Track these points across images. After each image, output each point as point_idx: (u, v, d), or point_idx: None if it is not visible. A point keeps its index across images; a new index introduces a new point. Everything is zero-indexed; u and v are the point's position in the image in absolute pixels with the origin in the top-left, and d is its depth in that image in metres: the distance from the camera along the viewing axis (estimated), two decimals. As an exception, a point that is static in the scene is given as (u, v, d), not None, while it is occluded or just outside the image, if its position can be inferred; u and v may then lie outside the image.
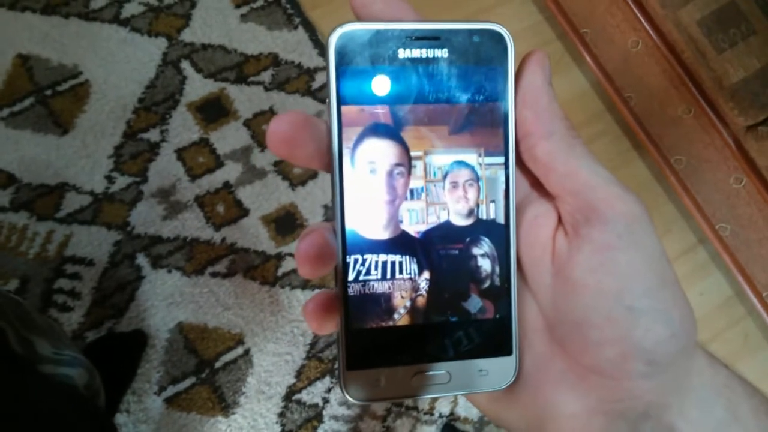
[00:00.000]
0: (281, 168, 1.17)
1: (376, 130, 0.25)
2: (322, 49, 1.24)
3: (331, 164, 0.25)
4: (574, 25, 1.23)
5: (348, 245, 0.26)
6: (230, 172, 1.16)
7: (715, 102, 1.07)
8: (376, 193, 0.26)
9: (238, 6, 1.27)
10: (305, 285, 1.12)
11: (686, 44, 1.06)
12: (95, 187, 1.12)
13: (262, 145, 1.18)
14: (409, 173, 0.26)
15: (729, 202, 1.13)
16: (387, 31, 0.25)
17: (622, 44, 1.16)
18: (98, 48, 1.20)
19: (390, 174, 0.26)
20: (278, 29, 1.26)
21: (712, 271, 1.24)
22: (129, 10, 1.23)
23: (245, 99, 1.21)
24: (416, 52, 0.25)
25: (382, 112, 0.25)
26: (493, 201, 0.27)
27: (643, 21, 1.11)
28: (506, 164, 0.27)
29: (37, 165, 1.11)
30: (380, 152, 0.26)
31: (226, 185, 1.15)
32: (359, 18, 0.25)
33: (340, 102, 0.25)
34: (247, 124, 1.19)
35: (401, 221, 0.26)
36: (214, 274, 1.11)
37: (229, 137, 1.18)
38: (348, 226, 0.26)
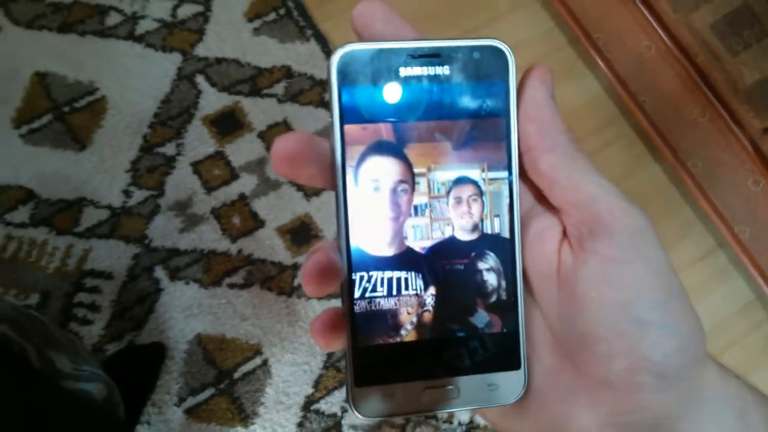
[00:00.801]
0: (295, 183, 1.18)
1: (379, 147, 0.26)
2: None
3: (335, 183, 0.26)
4: (585, 31, 1.23)
5: (353, 263, 0.26)
6: (245, 184, 1.17)
7: (730, 105, 1.06)
8: (380, 210, 0.26)
9: (250, 20, 1.28)
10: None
11: (700, 48, 1.05)
12: (113, 202, 1.14)
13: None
14: (413, 190, 0.26)
15: (748, 205, 1.12)
16: (388, 51, 0.25)
17: (634, 49, 1.16)
18: (114, 64, 1.21)
19: (394, 191, 0.26)
20: (291, 42, 1.27)
21: (732, 275, 1.23)
22: (143, 26, 1.25)
23: (259, 111, 1.22)
24: (418, 70, 0.26)
25: (384, 130, 0.26)
26: (497, 215, 0.27)
27: (655, 25, 1.11)
28: (510, 178, 0.27)
29: (55, 181, 1.13)
30: (383, 170, 0.26)
31: (242, 197, 1.16)
32: (360, 38, 0.26)
33: (343, 121, 0.25)
34: (261, 136, 1.20)
35: (406, 238, 0.26)
36: (231, 286, 1.11)
37: (243, 149, 1.19)
38: (353, 243, 0.26)
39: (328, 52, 1.27)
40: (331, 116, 0.25)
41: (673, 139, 1.18)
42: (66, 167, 1.14)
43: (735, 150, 1.10)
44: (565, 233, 0.26)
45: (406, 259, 0.26)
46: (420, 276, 0.26)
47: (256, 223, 1.15)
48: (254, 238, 1.15)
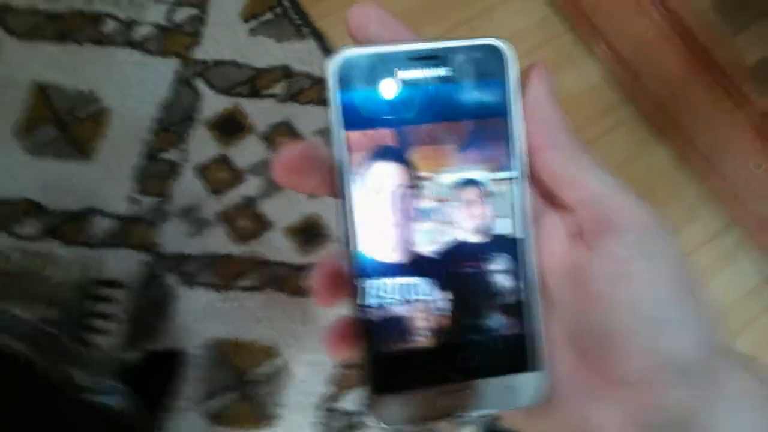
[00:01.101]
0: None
1: (382, 153, 0.25)
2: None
3: (338, 192, 0.25)
4: (583, 16, 1.22)
5: (362, 272, 0.26)
6: (251, 186, 1.17)
7: (734, 84, 1.06)
8: (386, 216, 0.26)
9: (246, 20, 1.28)
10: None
11: (701, 28, 1.05)
12: (120, 210, 1.13)
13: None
14: (419, 194, 0.26)
15: (755, 185, 1.12)
16: (385, 54, 0.25)
17: (634, 31, 1.16)
18: (113, 72, 1.21)
19: (399, 196, 0.26)
20: (288, 41, 1.27)
21: (740, 256, 1.23)
22: (140, 32, 1.24)
23: (260, 113, 1.22)
24: (417, 73, 0.25)
25: (387, 135, 0.25)
26: (506, 216, 0.27)
27: (654, 6, 1.11)
28: (517, 178, 0.26)
29: (61, 192, 1.13)
30: (388, 175, 0.26)
31: (249, 199, 1.16)
32: (356, 41, 0.25)
33: (344, 128, 0.25)
34: (263, 137, 1.20)
35: (414, 243, 0.26)
36: (243, 289, 1.12)
37: (247, 152, 1.19)
38: (360, 252, 0.26)
39: (326, 50, 1.26)
40: (332, 124, 0.25)
41: (678, 122, 1.18)
42: (71, 178, 1.14)
43: (740, 129, 1.09)
44: (575, 231, 0.26)
45: (416, 265, 0.26)
46: (432, 281, 0.26)
47: (264, 225, 1.15)
48: (263, 240, 1.14)
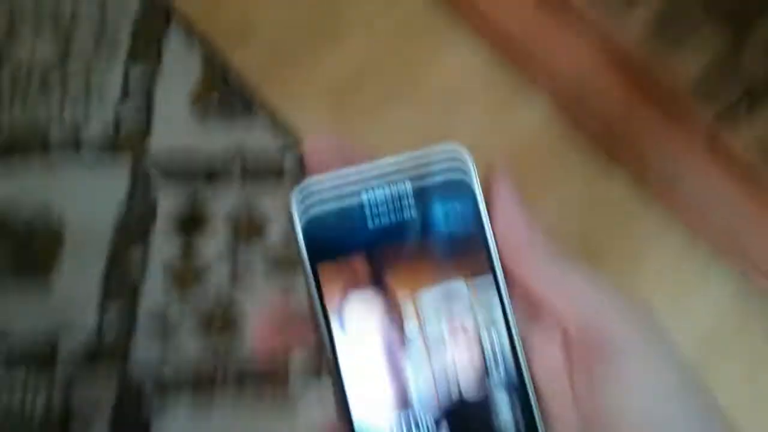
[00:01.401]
0: (269, 261, 1.16)
1: (359, 294, 0.25)
2: (284, 132, 1.24)
3: (322, 342, 0.25)
4: (523, 58, 1.24)
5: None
6: (219, 276, 1.15)
7: (677, 100, 1.09)
8: (376, 364, 0.25)
9: (195, 105, 1.28)
10: (319, 373, 1.09)
11: (638, 50, 1.08)
12: (89, 326, 1.11)
13: (245, 243, 1.17)
14: (404, 333, 0.26)
15: (715, 194, 1.13)
16: (347, 181, 0.25)
17: (573, 66, 1.17)
18: (64, 181, 1.20)
19: (386, 339, 0.25)
20: (238, 120, 1.27)
21: (714, 267, 1.23)
22: (86, 134, 1.23)
23: (220, 197, 1.21)
24: (381, 197, 0.25)
25: (360, 271, 0.25)
26: (496, 338, 0.26)
27: (590, 38, 1.13)
28: (499, 288, 0.26)
29: (25, 317, 1.10)
30: (371, 319, 0.25)
31: (219, 290, 1.14)
32: (315, 173, 0.25)
33: (316, 275, 0.25)
34: (226, 223, 1.19)
35: (409, 385, 0.26)
36: (224, 394, 1.08)
37: (211, 241, 1.17)
38: (356, 413, 0.25)
39: (277, 125, 1.26)
40: (304, 272, 0.25)
41: (629, 147, 1.19)
42: (34, 300, 1.12)
43: (690, 144, 1.11)
44: (565, 343, 0.26)
45: (414, 408, 0.26)
46: (433, 420, 0.26)
47: (234, 318, 1.13)
48: (239, 334, 1.12)
